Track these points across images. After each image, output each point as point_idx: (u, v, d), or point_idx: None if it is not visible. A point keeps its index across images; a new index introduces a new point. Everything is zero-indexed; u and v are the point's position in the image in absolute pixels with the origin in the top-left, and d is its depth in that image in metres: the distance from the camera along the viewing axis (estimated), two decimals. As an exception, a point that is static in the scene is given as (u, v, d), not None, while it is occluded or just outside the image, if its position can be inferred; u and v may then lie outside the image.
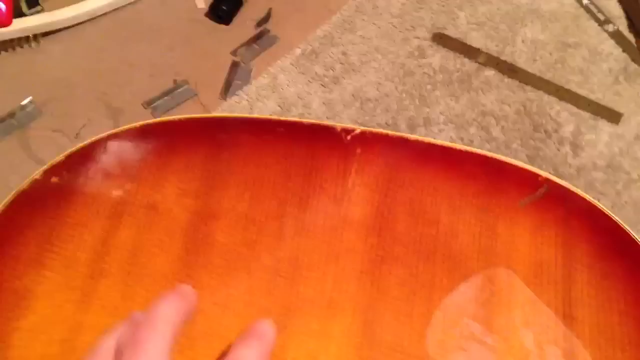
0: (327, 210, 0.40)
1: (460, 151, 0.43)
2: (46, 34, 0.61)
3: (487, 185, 0.42)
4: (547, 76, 0.64)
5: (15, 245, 0.37)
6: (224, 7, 0.63)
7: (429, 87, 0.62)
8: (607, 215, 0.41)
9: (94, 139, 0.41)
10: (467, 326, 0.37)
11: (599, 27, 0.67)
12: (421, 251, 0.39)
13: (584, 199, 0.42)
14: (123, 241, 0.38)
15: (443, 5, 0.67)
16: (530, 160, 0.59)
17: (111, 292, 0.36)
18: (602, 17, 0.67)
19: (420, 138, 0.44)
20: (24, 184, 0.39)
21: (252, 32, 0.63)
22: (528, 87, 0.63)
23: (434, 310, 0.37)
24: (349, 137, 0.43)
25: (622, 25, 0.67)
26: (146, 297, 0.36)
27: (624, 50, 0.65)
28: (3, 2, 0.50)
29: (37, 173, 0.40)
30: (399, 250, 0.39)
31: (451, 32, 0.66)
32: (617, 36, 0.66)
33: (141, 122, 0.42)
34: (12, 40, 0.59)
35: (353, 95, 0.61)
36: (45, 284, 0.36)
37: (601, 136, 0.61)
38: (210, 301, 0.36)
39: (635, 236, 0.40)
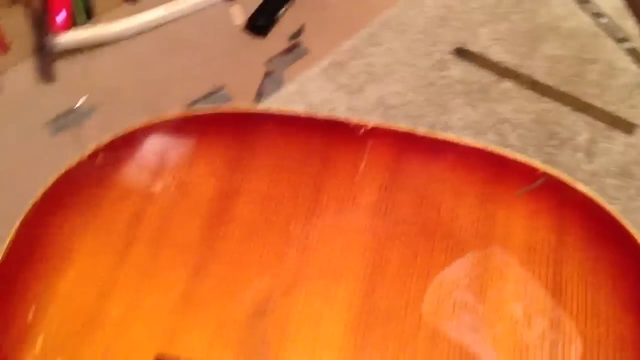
0: (339, 193, 0.44)
1: (465, 145, 0.47)
2: (100, 45, 0.67)
3: (489, 176, 0.46)
4: (564, 89, 0.67)
5: (63, 214, 0.43)
6: (261, 23, 0.69)
7: (449, 96, 0.66)
8: (599, 205, 0.44)
9: (134, 126, 0.46)
10: (460, 296, 0.40)
11: (616, 45, 0.70)
12: (422, 232, 0.43)
13: (577, 190, 0.45)
14: (155, 214, 0.43)
15: (465, 23, 0.71)
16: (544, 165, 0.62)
17: (141, 257, 0.41)
18: (619, 36, 0.70)
19: (428, 133, 0.48)
20: (71, 162, 0.45)
21: (285, 44, 0.69)
22: (545, 99, 0.66)
23: (431, 282, 0.41)
24: (361, 131, 0.48)
25: (639, 43, 0.70)
26: (172, 263, 0.41)
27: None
28: (63, 12, 0.57)
29: (83, 154, 0.45)
30: (402, 230, 0.43)
31: (472, 47, 0.70)
32: (633, 53, 0.69)
33: (177, 113, 0.47)
34: (70, 50, 0.66)
35: (376, 103, 0.65)
36: (86, 247, 0.41)
37: (615, 145, 0.63)
38: (224, 266, 0.41)
39: (625, 223, 0.43)
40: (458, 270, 0.41)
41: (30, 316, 0.39)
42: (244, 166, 0.45)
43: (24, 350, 0.37)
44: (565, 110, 0.65)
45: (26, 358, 0.37)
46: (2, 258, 0.40)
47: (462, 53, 0.69)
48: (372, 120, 0.62)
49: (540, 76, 0.68)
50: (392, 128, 0.48)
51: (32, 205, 0.42)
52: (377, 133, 0.48)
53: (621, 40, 0.70)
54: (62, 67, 0.66)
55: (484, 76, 0.68)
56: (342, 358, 0.38)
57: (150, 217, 0.43)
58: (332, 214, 0.43)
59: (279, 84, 0.65)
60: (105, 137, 0.46)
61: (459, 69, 0.68)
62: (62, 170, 0.44)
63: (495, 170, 0.46)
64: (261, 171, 0.45)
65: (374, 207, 0.44)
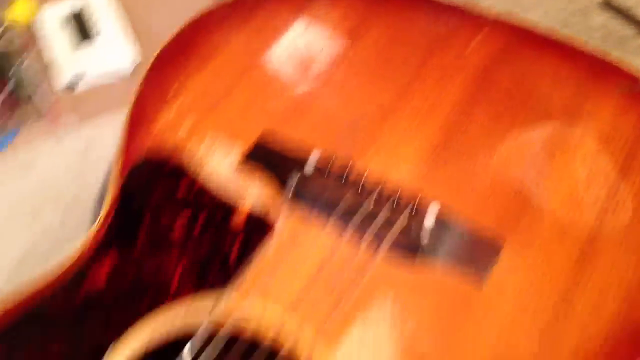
0: (446, 59, 0.50)
1: (576, 46, 0.51)
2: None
3: (591, 71, 0.49)
4: None
5: (219, 26, 0.52)
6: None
7: (584, 39, 0.68)
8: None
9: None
10: (532, 151, 0.44)
11: None
12: (513, 98, 0.47)
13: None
14: (291, 40, 0.51)
15: (618, -22, 0.73)
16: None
17: (263, 69, 0.50)
18: None
19: (545, 32, 0.52)
20: None
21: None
22: (683, 61, 0.66)
23: (509, 136, 0.45)
24: (482, 19, 0.52)
25: None
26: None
27: None
28: None
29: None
30: (494, 94, 0.47)
31: (620, 2, 0.71)
32: None
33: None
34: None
35: (510, 32, 0.69)
36: (228, 51, 0.50)
37: None
38: (336, 89, 0.48)
39: None
40: (537, 133, 0.45)
41: (171, 91, 0.48)
42: (372, 22, 0.52)
43: (161, 112, 0.47)
44: (701, 73, 0.65)
45: (162, 118, 0.46)
46: (162, 48, 0.50)
47: (608, 6, 0.71)
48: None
49: (684, 41, 0.68)
50: (510, 21, 0.52)
51: (200, 14, 0.52)
52: (495, 22, 0.52)
53: None
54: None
55: (624, 29, 0.69)
56: (413, 177, 0.44)
57: (283, 44, 0.51)
58: (437, 71, 0.49)
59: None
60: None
61: (601, 19, 0.70)
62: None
63: (598, 69, 0.49)
64: (388, 28, 0.52)
65: (473, 76, 0.49)
